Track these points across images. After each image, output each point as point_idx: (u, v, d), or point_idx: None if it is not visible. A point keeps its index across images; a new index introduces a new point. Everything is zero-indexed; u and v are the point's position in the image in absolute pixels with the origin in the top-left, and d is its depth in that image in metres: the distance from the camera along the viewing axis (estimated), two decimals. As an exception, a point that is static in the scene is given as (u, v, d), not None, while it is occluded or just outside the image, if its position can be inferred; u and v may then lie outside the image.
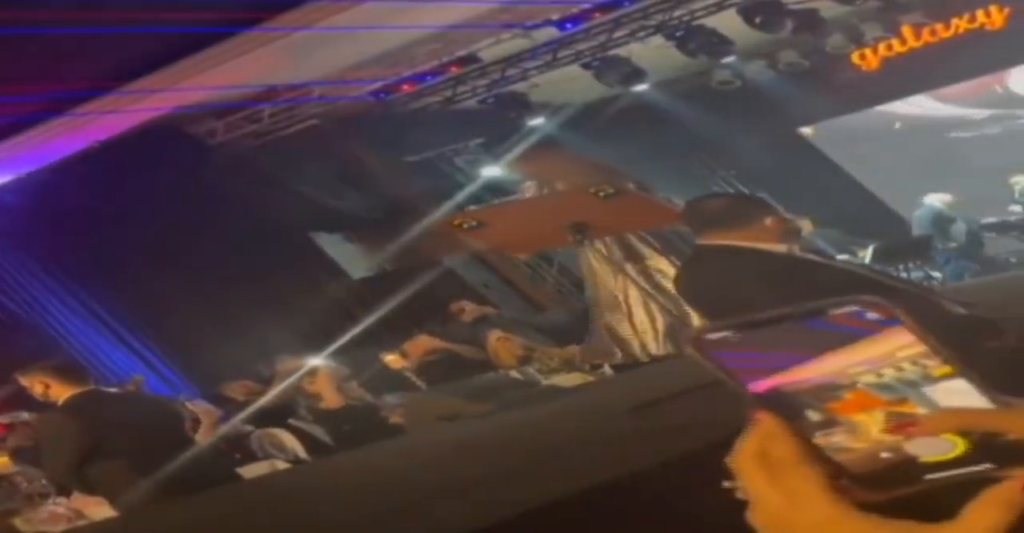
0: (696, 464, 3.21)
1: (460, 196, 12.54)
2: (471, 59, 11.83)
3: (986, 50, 11.58)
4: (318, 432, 7.60)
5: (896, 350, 0.82)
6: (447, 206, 11.91)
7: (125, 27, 8.13)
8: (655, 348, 6.87)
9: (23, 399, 7.00)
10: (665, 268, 6.40)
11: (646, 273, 6.55)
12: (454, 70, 11.98)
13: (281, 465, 6.94)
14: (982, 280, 10.79)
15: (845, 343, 0.83)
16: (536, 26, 11.14)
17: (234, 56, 10.09)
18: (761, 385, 0.86)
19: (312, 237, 13.05)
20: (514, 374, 7.80)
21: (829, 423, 0.85)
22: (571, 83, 12.40)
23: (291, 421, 7.72)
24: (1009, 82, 13.42)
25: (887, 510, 0.84)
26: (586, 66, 12.04)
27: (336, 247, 13.28)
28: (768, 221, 4.33)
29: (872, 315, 0.82)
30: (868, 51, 12.07)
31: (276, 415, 7.77)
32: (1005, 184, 12.63)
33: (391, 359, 8.66)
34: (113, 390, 7.01)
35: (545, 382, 7.68)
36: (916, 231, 12.63)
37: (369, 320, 9.43)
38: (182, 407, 7.24)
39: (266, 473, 6.71)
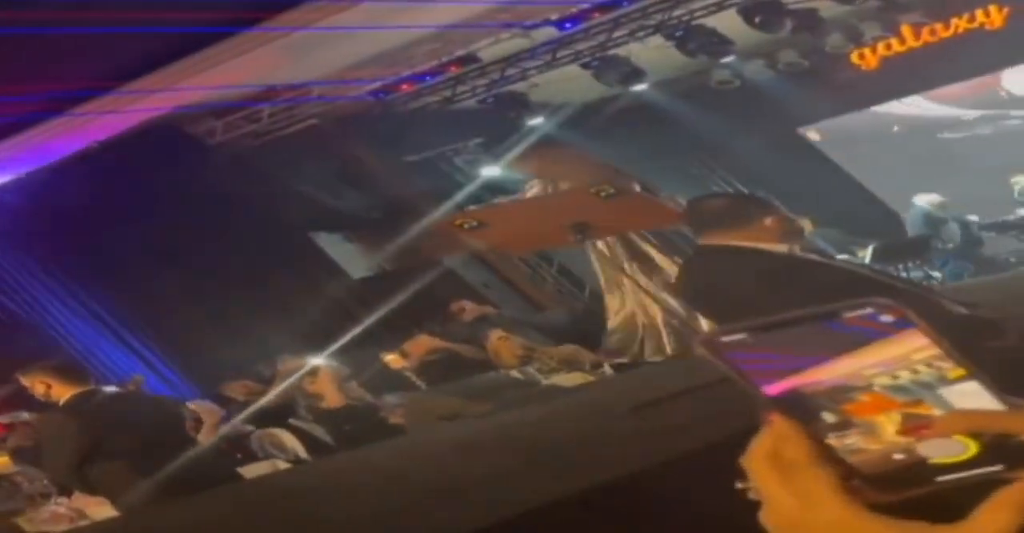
0: (696, 464, 3.21)
1: (460, 196, 12.54)
2: (470, 59, 11.83)
3: (985, 50, 11.58)
4: (319, 432, 7.60)
5: (911, 352, 0.82)
6: (447, 206, 11.91)
7: (125, 27, 8.12)
8: (664, 348, 6.88)
9: (24, 399, 7.01)
10: (669, 268, 6.40)
11: (649, 273, 6.55)
12: (453, 70, 11.98)
13: (282, 465, 6.94)
14: (982, 280, 10.79)
15: (860, 345, 0.83)
16: (535, 26, 11.14)
17: (233, 56, 10.09)
18: (776, 387, 0.86)
19: (312, 237, 13.05)
20: (514, 374, 7.80)
21: (844, 425, 0.85)
22: (570, 83, 12.40)
23: (291, 421, 7.72)
24: (1005, 82, 13.41)
25: (899, 511, 0.84)
26: (585, 66, 12.04)
27: (336, 247, 13.28)
28: (768, 221, 4.33)
29: (886, 317, 0.82)
30: (867, 51, 12.07)
31: (276, 415, 7.77)
32: (1005, 184, 12.63)
33: (391, 359, 8.66)
34: (114, 390, 7.01)
35: (545, 382, 7.68)
36: (911, 232, 12.65)
37: (369, 320, 9.43)
38: (182, 407, 7.24)
39: (267, 473, 6.71)
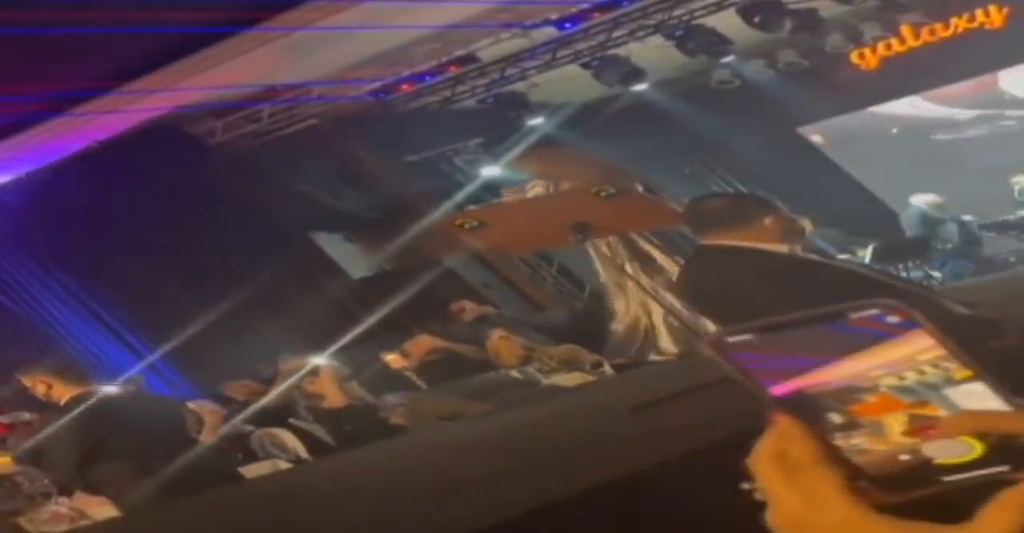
0: (696, 464, 3.21)
1: (459, 196, 12.55)
2: (470, 59, 11.83)
3: (985, 50, 11.58)
4: (319, 432, 7.61)
5: (917, 353, 0.83)
6: (447, 206, 11.92)
7: (125, 27, 8.12)
8: (665, 348, 6.88)
9: (25, 399, 7.01)
10: (671, 268, 6.40)
11: (651, 274, 6.55)
12: (453, 70, 11.98)
13: (283, 465, 6.94)
14: (982, 280, 10.79)
15: (866, 346, 0.83)
16: (535, 26, 11.14)
17: (233, 56, 10.09)
18: (782, 388, 0.87)
19: (312, 237, 13.05)
20: (514, 374, 7.80)
21: (850, 425, 0.85)
22: (570, 83, 12.40)
23: (292, 421, 7.72)
24: (1003, 83, 13.40)
25: (905, 512, 0.84)
26: (585, 66, 12.04)
27: (336, 247, 13.29)
28: (768, 221, 4.34)
29: (892, 318, 0.82)
30: (867, 51, 12.07)
31: (277, 415, 7.77)
32: (1005, 184, 12.63)
33: (391, 359, 8.66)
34: (114, 390, 7.01)
35: (545, 382, 7.69)
36: (908, 233, 12.65)
37: (370, 320, 9.43)
38: (183, 407, 7.24)
39: (268, 473, 6.72)
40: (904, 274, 10.72)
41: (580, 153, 9.93)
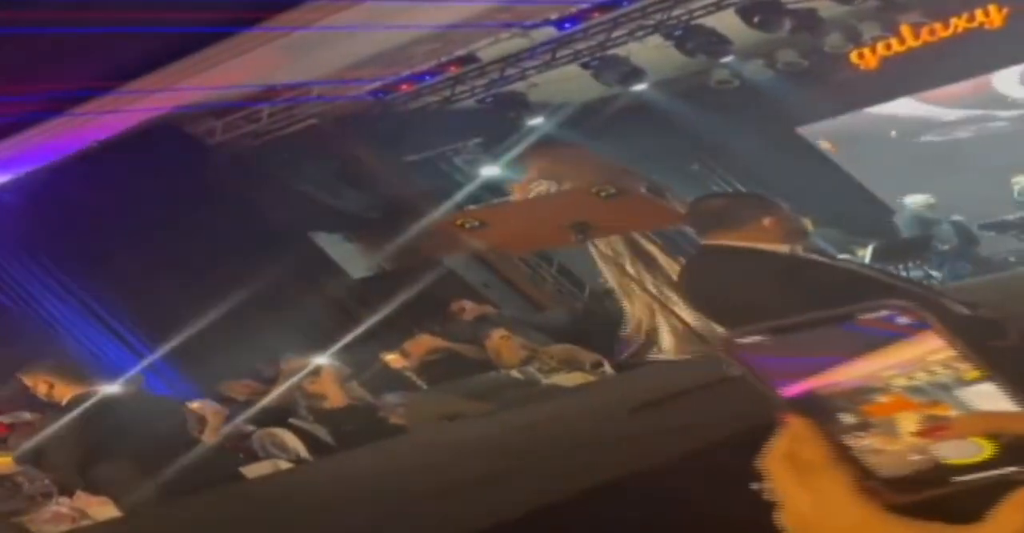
0: (697, 464, 3.22)
1: (459, 196, 12.55)
2: (470, 59, 11.83)
3: (985, 49, 11.58)
4: (320, 432, 7.60)
5: (927, 354, 0.83)
6: (446, 206, 11.92)
7: (125, 27, 8.12)
8: (666, 348, 6.87)
9: (26, 399, 7.01)
10: (672, 269, 6.40)
11: (653, 274, 6.54)
12: (453, 70, 11.98)
13: (283, 465, 6.94)
14: (982, 279, 10.79)
15: (877, 347, 0.84)
16: (535, 26, 11.14)
17: (233, 56, 10.09)
18: (793, 388, 0.87)
19: (312, 237, 13.05)
20: (515, 374, 7.80)
21: (861, 426, 0.86)
22: (570, 83, 12.41)
23: (292, 421, 7.72)
24: (998, 84, 13.39)
25: (915, 512, 0.85)
26: (585, 66, 12.05)
27: (336, 247, 13.28)
28: (767, 221, 4.34)
29: (902, 319, 0.83)
30: (867, 50, 12.07)
31: (277, 415, 7.77)
32: (1005, 184, 12.63)
33: (392, 358, 8.65)
34: (116, 390, 7.01)
35: (546, 381, 7.69)
36: (905, 233, 12.66)
37: (371, 320, 9.44)
38: (183, 407, 7.24)
39: (269, 473, 6.72)
40: (904, 274, 10.71)
41: (584, 152, 9.92)
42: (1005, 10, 11.23)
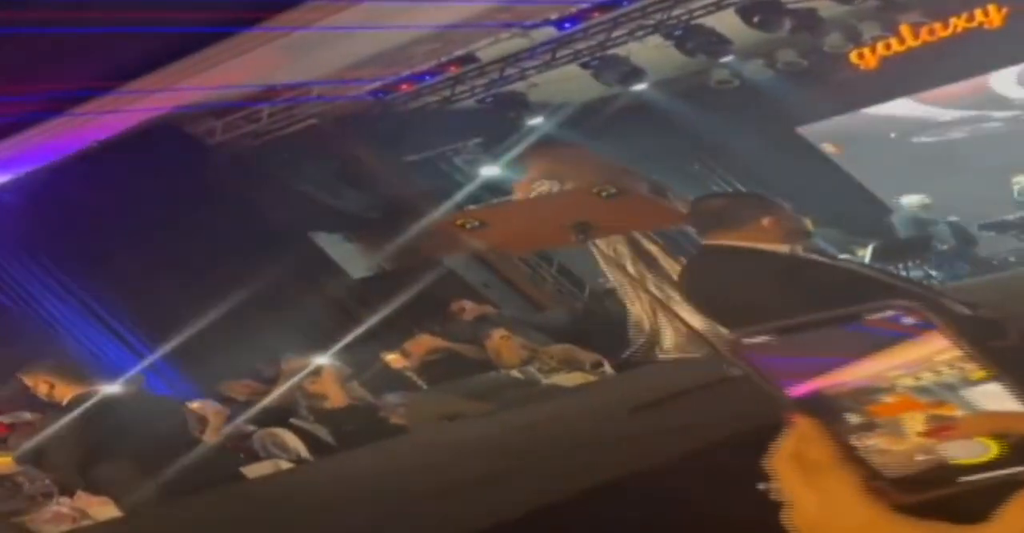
0: (697, 464, 3.22)
1: (459, 196, 12.55)
2: (469, 59, 11.83)
3: (984, 49, 11.58)
4: (321, 432, 7.61)
5: (933, 354, 0.83)
6: (446, 206, 11.92)
7: (125, 27, 8.12)
8: (670, 348, 6.87)
9: (27, 399, 7.02)
10: (672, 269, 6.40)
11: (655, 274, 6.54)
12: (453, 70, 11.98)
13: (284, 465, 6.94)
14: (982, 279, 10.80)
15: (883, 347, 0.84)
16: (535, 25, 11.14)
17: (233, 56, 10.08)
18: (800, 389, 0.87)
19: (311, 237, 13.05)
20: (515, 374, 7.80)
21: (868, 426, 0.86)
22: (570, 82, 12.41)
23: (293, 421, 7.72)
24: (995, 84, 13.38)
25: (922, 512, 0.85)
26: (585, 65, 12.05)
27: (336, 247, 13.28)
28: (765, 221, 4.34)
29: (908, 320, 0.83)
30: (866, 50, 12.07)
31: (278, 415, 7.77)
32: (1004, 184, 12.63)
33: (392, 358, 8.65)
34: (116, 390, 7.02)
35: (546, 381, 7.69)
36: (902, 234, 12.66)
37: (372, 320, 9.44)
38: (183, 407, 7.24)
39: (270, 473, 6.72)
40: (904, 274, 10.71)
41: (586, 153, 9.93)
42: (1004, 10, 11.23)
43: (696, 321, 5.19)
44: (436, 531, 3.43)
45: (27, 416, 7.68)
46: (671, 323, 6.40)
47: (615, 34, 11.58)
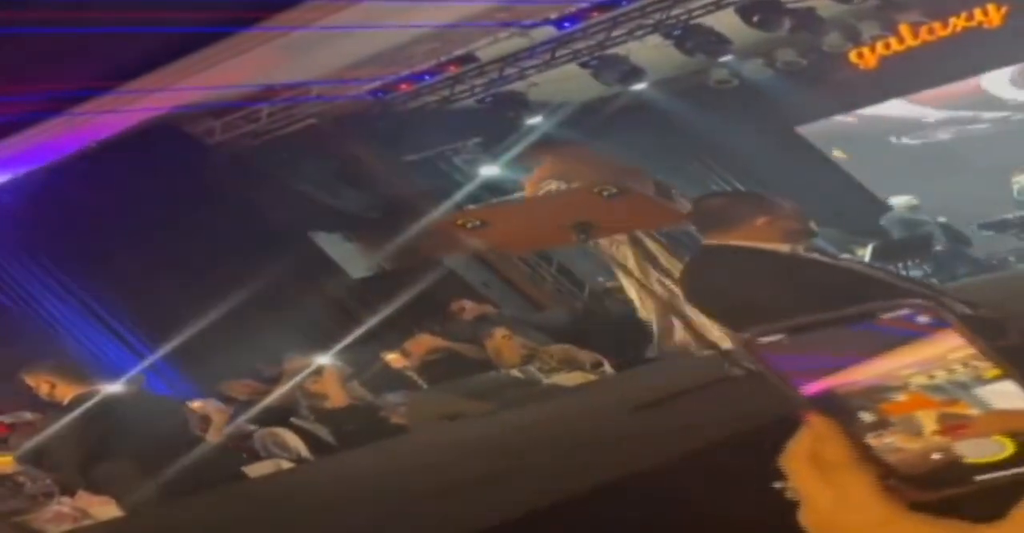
0: (697, 464, 3.22)
1: (459, 195, 12.55)
2: (469, 58, 11.83)
3: (984, 49, 11.59)
4: (322, 432, 7.61)
5: (947, 352, 0.83)
6: (446, 205, 11.92)
7: (124, 27, 8.12)
8: (671, 348, 6.86)
9: (28, 398, 7.02)
10: (674, 269, 6.40)
11: (657, 272, 6.54)
12: (452, 69, 11.98)
13: (285, 464, 6.95)
14: (982, 279, 10.80)
15: (896, 345, 0.84)
16: (534, 25, 11.15)
17: (232, 56, 10.08)
18: (813, 387, 0.87)
19: (311, 236, 13.05)
20: (515, 373, 7.80)
21: (881, 424, 0.86)
22: (569, 82, 12.41)
23: (293, 420, 7.73)
24: (987, 84, 13.37)
25: (937, 510, 0.85)
26: (584, 65, 12.05)
27: (335, 246, 13.29)
28: (761, 221, 4.34)
29: (922, 318, 0.83)
30: (866, 50, 12.07)
31: (279, 414, 7.78)
32: (1004, 183, 12.63)
33: (392, 358, 8.65)
34: (117, 390, 7.02)
35: (546, 381, 7.69)
36: (894, 235, 12.67)
37: (373, 320, 9.45)
38: (184, 406, 7.25)
39: (271, 472, 6.73)
40: (904, 273, 10.71)
41: (594, 152, 9.92)
42: (1004, 9, 11.23)
43: (702, 320, 5.18)
44: (436, 531, 3.43)
45: (28, 416, 7.69)
46: (679, 323, 6.39)
47: (614, 33, 11.58)
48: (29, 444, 6.74)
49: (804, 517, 0.88)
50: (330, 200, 12.92)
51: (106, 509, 6.18)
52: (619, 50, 11.89)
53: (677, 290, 5.81)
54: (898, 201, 12.86)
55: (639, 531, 3.08)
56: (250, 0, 9.28)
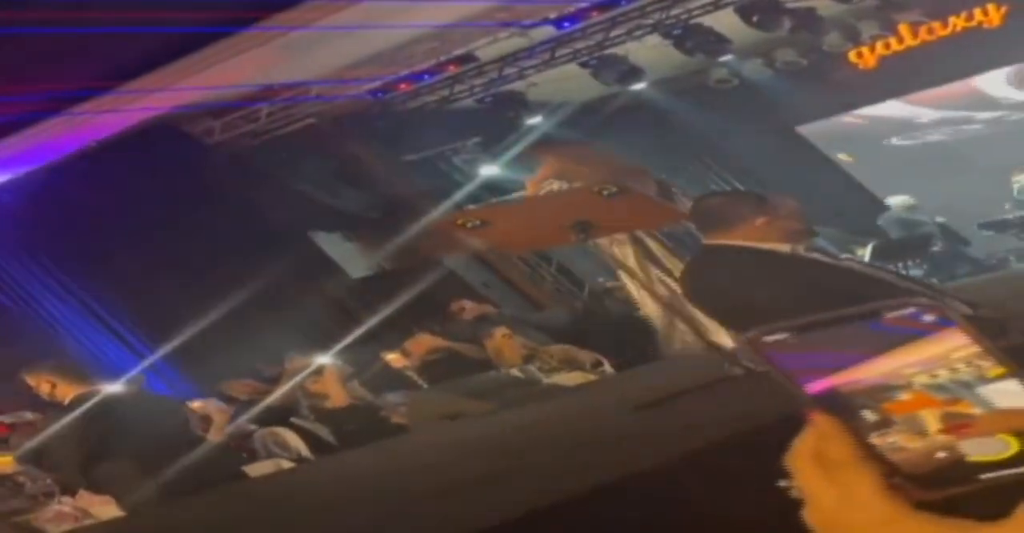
0: (697, 464, 3.22)
1: (458, 195, 12.55)
2: (468, 58, 11.83)
3: (984, 48, 11.58)
4: (322, 431, 7.61)
5: (950, 351, 0.84)
6: (445, 205, 11.92)
7: (123, 27, 8.12)
8: (671, 348, 6.86)
9: (29, 398, 7.03)
10: (676, 268, 6.40)
11: (664, 274, 6.54)
12: (451, 69, 11.98)
13: (285, 464, 6.95)
14: (982, 278, 10.80)
15: (900, 344, 0.85)
16: (533, 25, 11.14)
17: (231, 55, 10.08)
18: (818, 385, 0.88)
19: (311, 236, 13.05)
20: (515, 373, 7.81)
21: (885, 423, 0.86)
22: (569, 82, 12.41)
23: (294, 420, 7.73)
24: (982, 85, 13.36)
25: (942, 509, 0.85)
26: (584, 65, 12.05)
27: (335, 246, 13.29)
28: (759, 221, 4.34)
29: (927, 317, 0.83)
30: (865, 49, 12.07)
31: (280, 414, 7.78)
32: (1004, 183, 12.63)
33: (392, 358, 8.66)
34: (117, 389, 7.03)
35: (546, 381, 7.70)
36: (892, 235, 12.67)
37: (373, 319, 9.45)
38: (184, 406, 7.25)
39: (272, 472, 6.73)
40: (904, 273, 10.71)
41: (598, 152, 9.93)
42: (1003, 9, 11.23)
43: (704, 320, 5.18)
44: (436, 531, 3.43)
45: (28, 416, 7.69)
46: (682, 322, 6.38)
47: (614, 33, 11.58)
48: (30, 444, 6.74)
49: (809, 516, 0.88)
50: (330, 200, 12.92)
51: (107, 509, 6.18)
52: (618, 50, 11.89)
53: (678, 289, 5.81)
54: (895, 201, 12.87)
55: (639, 531, 3.08)
56: (250, 0, 9.28)
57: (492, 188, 12.53)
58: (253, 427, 7.45)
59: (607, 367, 7.89)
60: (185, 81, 10.39)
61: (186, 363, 10.64)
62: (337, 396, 7.81)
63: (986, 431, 0.84)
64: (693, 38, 11.57)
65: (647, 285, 6.06)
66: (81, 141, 11.40)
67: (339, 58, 11.04)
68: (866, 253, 11.44)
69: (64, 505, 6.23)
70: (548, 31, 11.34)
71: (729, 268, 4.43)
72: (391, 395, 8.04)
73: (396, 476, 4.98)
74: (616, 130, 12.36)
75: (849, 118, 13.98)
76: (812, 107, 13.23)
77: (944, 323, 0.84)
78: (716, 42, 11.71)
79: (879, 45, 11.99)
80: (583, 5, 10.94)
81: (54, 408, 6.57)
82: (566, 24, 11.17)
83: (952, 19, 11.59)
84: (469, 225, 5.17)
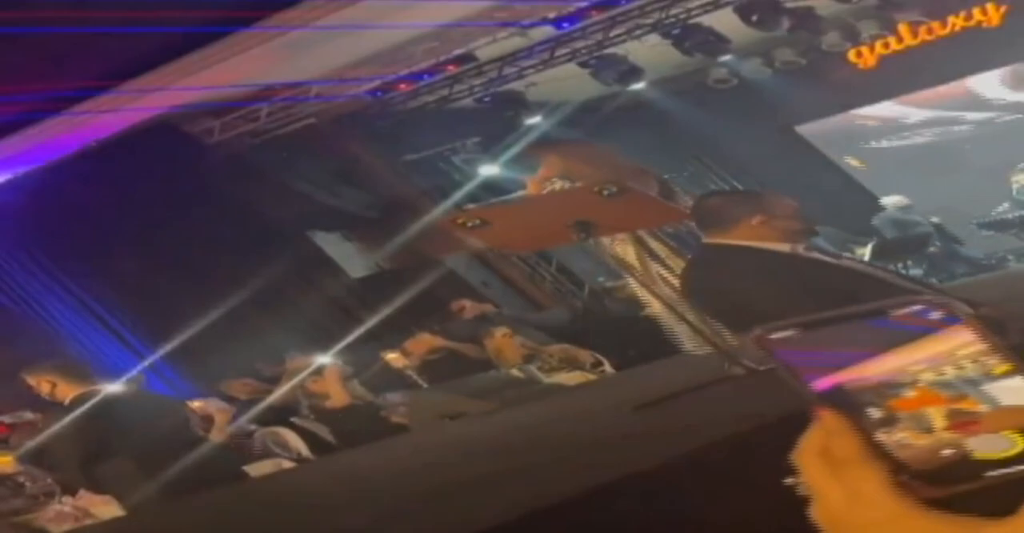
0: (698, 464, 3.22)
1: (458, 195, 12.55)
2: (468, 58, 11.83)
3: (983, 48, 11.58)
4: (322, 431, 7.62)
5: (956, 348, 0.84)
6: (445, 205, 11.92)
7: (123, 26, 8.12)
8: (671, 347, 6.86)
9: (29, 398, 7.03)
10: (677, 268, 6.40)
11: (666, 274, 6.54)
12: (451, 69, 11.98)
13: (286, 464, 6.95)
14: (981, 278, 10.81)
15: (906, 341, 0.85)
16: (533, 25, 11.15)
17: (231, 55, 10.08)
18: (824, 383, 0.88)
19: (310, 236, 13.06)
20: (515, 373, 7.81)
21: (891, 420, 0.87)
22: (568, 81, 12.41)
23: (294, 419, 7.73)
24: (977, 84, 13.35)
25: (948, 506, 0.86)
26: (583, 64, 12.05)
27: (334, 246, 13.29)
28: (756, 220, 4.34)
29: (934, 314, 0.84)
30: (865, 49, 12.06)
31: (280, 413, 7.78)
32: (1003, 183, 12.63)
33: (392, 357, 8.66)
34: (118, 389, 7.03)
35: (546, 381, 7.70)
36: (888, 235, 12.66)
37: (374, 319, 9.45)
38: (184, 406, 7.25)
39: (271, 472, 6.73)
40: (904, 272, 10.72)
41: (601, 151, 9.93)
42: (1003, 8, 11.23)
43: (704, 320, 5.18)
44: (436, 530, 3.43)
45: (29, 416, 7.69)
46: (684, 321, 6.38)
47: (613, 33, 11.58)
48: (30, 444, 6.74)
49: (816, 513, 0.89)
50: (329, 199, 12.92)
51: (107, 508, 6.19)
52: (618, 50, 11.89)
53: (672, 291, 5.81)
54: (889, 201, 12.86)
55: (639, 531, 3.08)
56: (250, 0, 9.29)
57: (492, 188, 12.53)
58: (253, 427, 7.45)
59: (607, 367, 7.90)
60: (185, 81, 10.39)
61: (186, 363, 10.64)
62: (337, 396, 7.82)
63: (992, 428, 0.84)
64: (692, 38, 11.58)
65: (649, 284, 6.06)
66: (81, 141, 11.40)
67: (339, 58, 11.04)
68: (866, 253, 11.45)
69: (65, 505, 6.23)
70: (547, 31, 11.34)
71: (728, 268, 4.43)
72: (391, 395, 8.04)
73: (396, 476, 4.98)
74: (615, 130, 12.36)
75: (848, 118, 13.97)
76: (811, 107, 13.22)
77: (951, 320, 0.84)
78: (715, 42, 11.71)
79: (878, 45, 11.98)
80: (582, 5, 10.94)
81: (54, 408, 6.58)
82: (565, 24, 11.18)
83: (951, 19, 11.59)
84: (469, 225, 5.16)
